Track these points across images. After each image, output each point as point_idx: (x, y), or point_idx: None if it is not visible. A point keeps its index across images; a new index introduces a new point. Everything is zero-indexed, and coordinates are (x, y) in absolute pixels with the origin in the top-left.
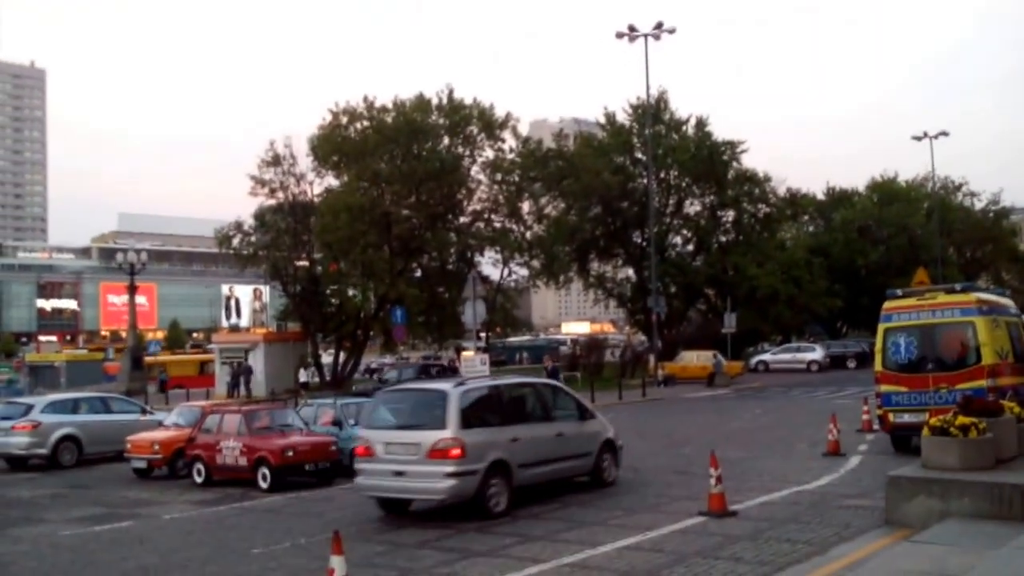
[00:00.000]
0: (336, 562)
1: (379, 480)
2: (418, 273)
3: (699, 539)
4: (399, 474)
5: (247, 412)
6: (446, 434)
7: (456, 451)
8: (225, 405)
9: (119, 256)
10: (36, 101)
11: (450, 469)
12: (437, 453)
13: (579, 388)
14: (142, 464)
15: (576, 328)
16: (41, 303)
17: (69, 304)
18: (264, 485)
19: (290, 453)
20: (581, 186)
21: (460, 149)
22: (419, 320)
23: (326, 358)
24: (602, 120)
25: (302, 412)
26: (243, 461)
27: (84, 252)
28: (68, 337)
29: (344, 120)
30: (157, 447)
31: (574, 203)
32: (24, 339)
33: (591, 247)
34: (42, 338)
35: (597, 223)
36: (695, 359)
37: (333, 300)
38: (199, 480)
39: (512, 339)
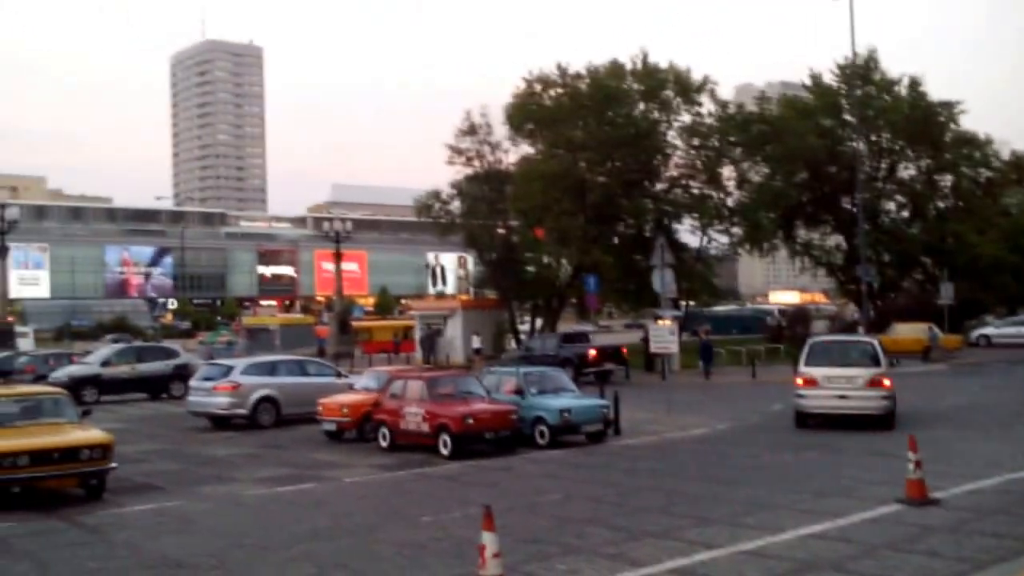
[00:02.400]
0: (488, 539)
1: (823, 402)
2: (613, 240)
3: (892, 529)
4: (842, 398)
5: (430, 379)
6: (880, 370)
7: (887, 382)
8: (410, 371)
9: (328, 225)
10: (255, 78)
11: (883, 394)
12: (874, 383)
13: (782, 360)
14: (332, 427)
15: (784, 298)
16: (261, 269)
17: (286, 271)
18: (444, 452)
19: (471, 420)
20: (785, 150)
21: (656, 115)
22: (615, 288)
23: (525, 326)
24: (808, 82)
25: (485, 380)
26: (425, 427)
27: (300, 221)
28: (287, 302)
29: (538, 88)
30: (346, 410)
31: (778, 168)
32: (246, 303)
33: (797, 213)
34: (262, 303)
35: (803, 188)
36: (909, 332)
37: (529, 268)
38: (384, 444)
39: (717, 308)
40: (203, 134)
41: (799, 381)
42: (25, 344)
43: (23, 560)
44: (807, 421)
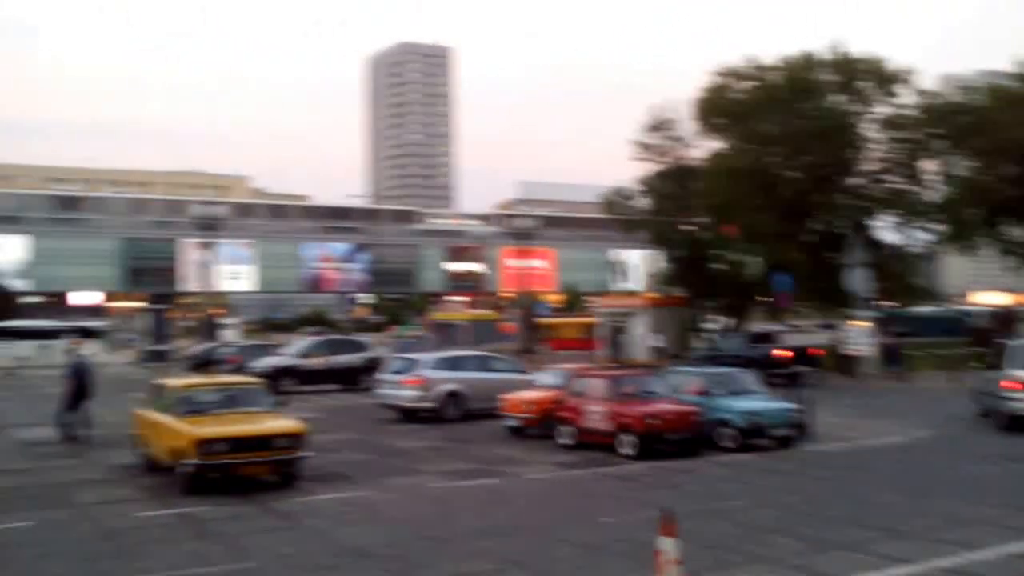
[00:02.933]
0: (666, 544)
1: None
2: (805, 237)
3: None
4: None
5: (613, 377)
6: None
7: None
8: (594, 368)
9: (515, 222)
10: (443, 78)
11: None
12: None
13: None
14: (515, 423)
15: (989, 298)
16: (449, 266)
17: (474, 267)
18: (626, 452)
19: (653, 421)
20: (991, 142)
21: (850, 106)
22: (806, 286)
23: (711, 325)
24: (1013, 70)
25: (669, 380)
26: (607, 426)
27: (487, 218)
28: (473, 298)
29: (728, 81)
30: (529, 407)
31: (984, 161)
32: (434, 299)
33: (1004, 209)
34: (450, 298)
35: (1012, 183)
36: None
37: (717, 265)
38: (564, 442)
39: (918, 309)
40: (396, 134)
41: (1006, 383)
42: (231, 335)
43: (219, 543)
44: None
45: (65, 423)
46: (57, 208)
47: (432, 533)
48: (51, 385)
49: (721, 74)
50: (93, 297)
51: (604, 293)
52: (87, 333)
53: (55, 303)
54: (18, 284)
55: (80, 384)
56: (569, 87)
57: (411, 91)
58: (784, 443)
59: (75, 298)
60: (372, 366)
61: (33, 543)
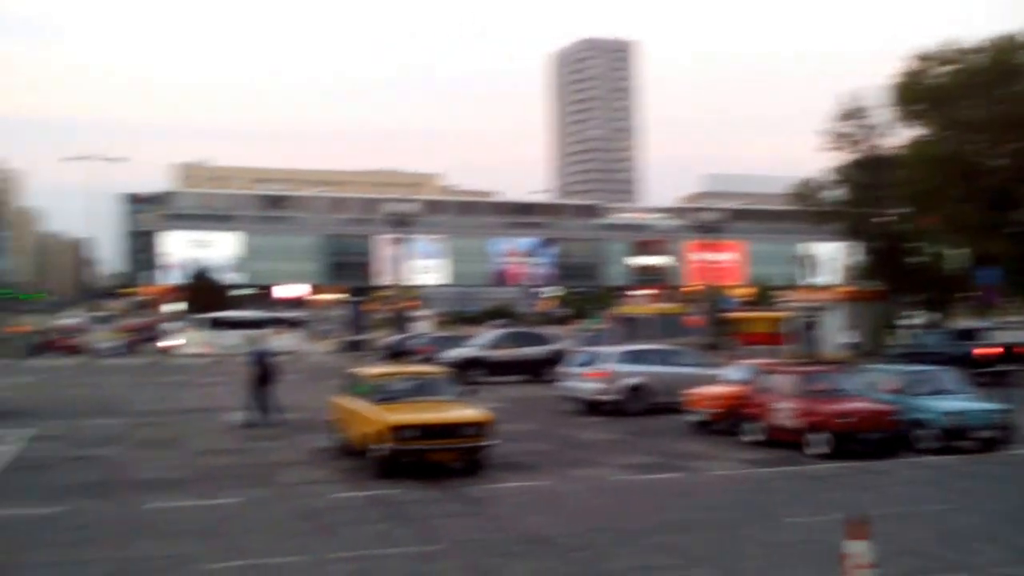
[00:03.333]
0: (856, 548)
1: None
2: (1011, 229)
3: None
4: None
5: (803, 374)
6: None
7: None
8: (782, 364)
9: (700, 215)
10: (625, 72)
11: None
12: None
13: None
14: (699, 418)
15: None
16: (634, 259)
17: (658, 260)
18: (816, 451)
19: (846, 420)
20: None
21: None
22: (1014, 280)
23: (910, 321)
24: None
25: (863, 377)
26: (796, 424)
27: (672, 212)
28: (658, 292)
29: (927, 65)
30: (714, 402)
31: None
32: (619, 293)
33: None
34: (634, 292)
35: None
36: None
37: (916, 258)
38: (751, 439)
39: None
40: (579, 129)
41: None
42: (421, 327)
43: (410, 525)
44: None
45: (251, 407)
46: (265, 207)
47: (615, 525)
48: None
49: (920, 58)
50: (297, 290)
51: (793, 287)
52: (287, 324)
53: (262, 295)
54: (231, 277)
55: (263, 371)
56: (753, 76)
57: (594, 86)
58: (988, 445)
59: (281, 291)
60: (556, 358)
61: (240, 518)
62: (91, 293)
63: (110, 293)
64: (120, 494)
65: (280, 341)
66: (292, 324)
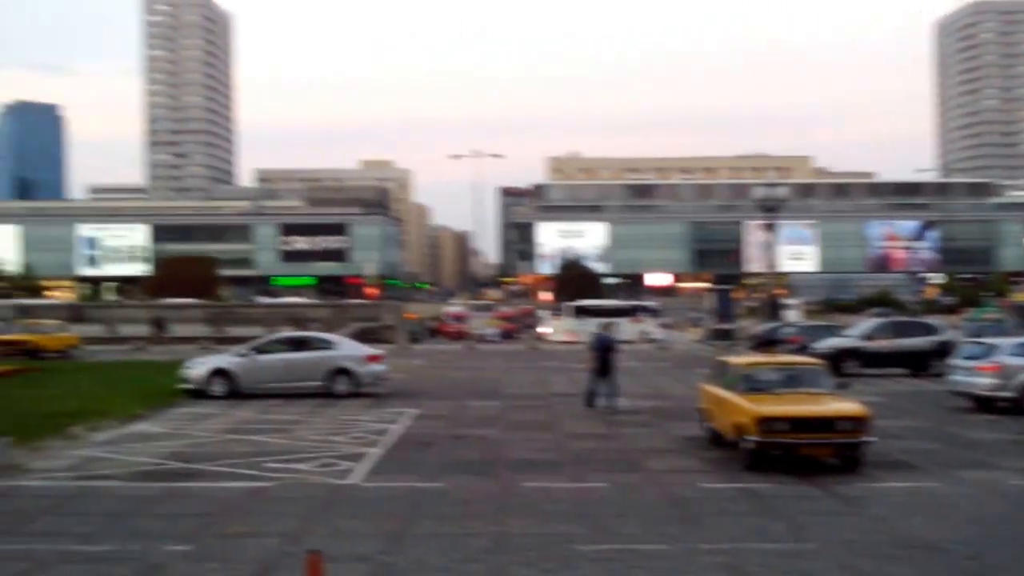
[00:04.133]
0: None
1: None
2: None
3: None
4: None
5: None
6: None
7: None
8: None
9: None
10: (1020, 36)
11: None
12: None
13: None
14: None
15: None
16: None
17: None
18: None
19: None
20: None
21: None
22: None
23: None
24: None
25: None
26: None
27: None
28: None
29: None
30: None
31: None
32: (1015, 279)
33: None
34: None
35: None
36: None
37: None
38: None
39: None
40: (968, 101)
41: None
42: (791, 316)
43: (780, 520)
44: None
45: (592, 392)
46: (632, 196)
47: (1014, 535)
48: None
49: None
50: (664, 279)
51: None
52: (645, 312)
53: (630, 284)
54: (598, 267)
55: (603, 358)
56: None
57: (985, 53)
58: None
59: (651, 279)
60: (944, 350)
61: (609, 502)
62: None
63: (491, 282)
64: (497, 472)
65: (633, 328)
66: (649, 312)
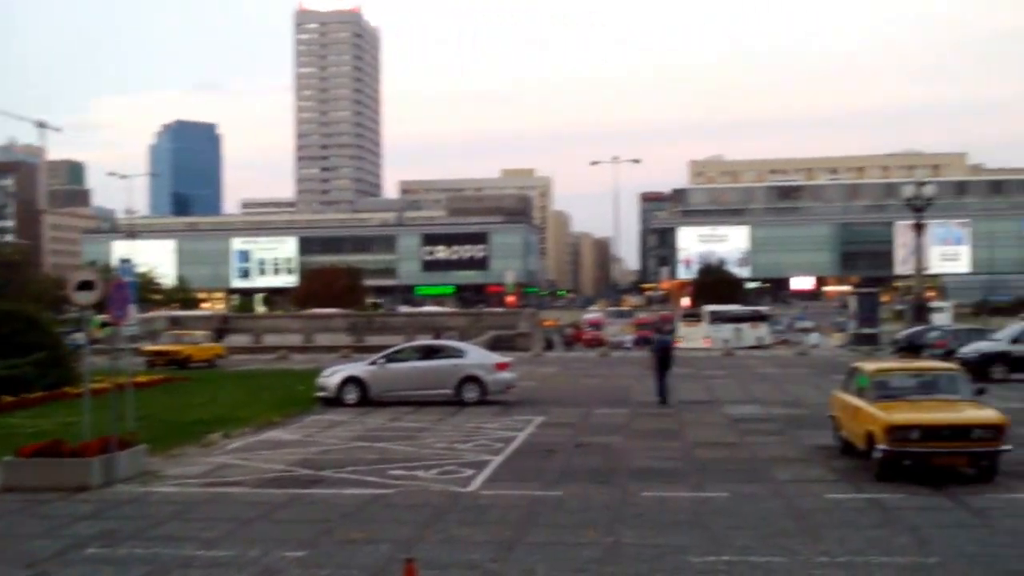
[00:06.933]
0: None
1: None
2: None
3: None
4: None
5: None
6: None
7: None
8: None
9: None
10: None
11: None
12: None
13: None
14: None
15: None
16: None
17: None
18: None
19: None
20: None
21: None
22: None
23: None
24: None
25: None
26: None
27: None
28: None
29: None
30: None
31: None
32: None
33: None
34: None
35: None
36: None
37: None
38: None
39: None
40: None
41: None
42: (941, 319)
43: (905, 533)
44: None
45: (663, 389)
46: (776, 198)
47: None
48: (761, 366)
49: None
50: (807, 282)
51: None
52: (760, 317)
53: (772, 288)
54: (740, 271)
55: (662, 359)
56: None
57: None
58: None
59: (796, 283)
60: None
61: (727, 512)
62: (614, 289)
63: (631, 289)
64: (617, 481)
65: (751, 334)
66: (762, 318)
